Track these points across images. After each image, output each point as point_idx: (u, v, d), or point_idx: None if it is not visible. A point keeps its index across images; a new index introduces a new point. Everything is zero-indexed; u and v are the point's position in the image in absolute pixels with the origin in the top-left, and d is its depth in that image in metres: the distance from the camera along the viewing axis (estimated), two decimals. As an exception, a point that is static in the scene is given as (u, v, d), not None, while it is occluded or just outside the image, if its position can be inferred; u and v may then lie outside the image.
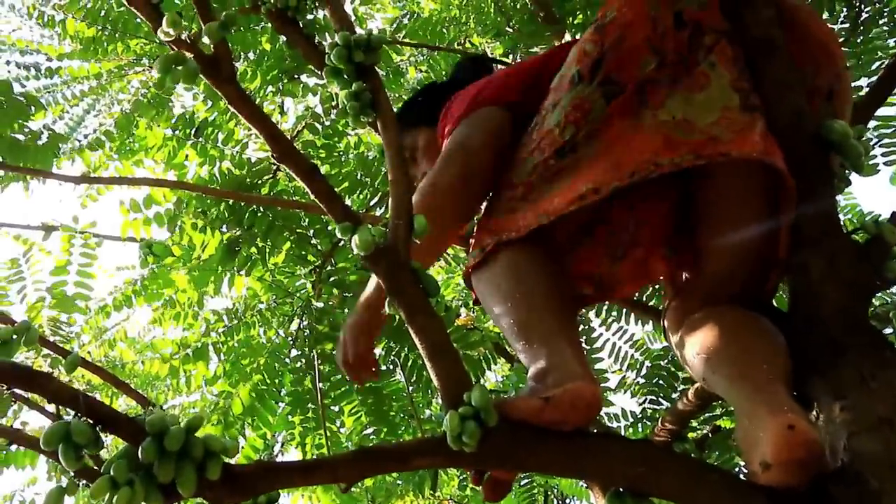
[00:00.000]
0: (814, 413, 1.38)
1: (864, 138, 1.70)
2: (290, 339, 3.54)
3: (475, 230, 1.73)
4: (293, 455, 3.81)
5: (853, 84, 2.94)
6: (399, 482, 4.24)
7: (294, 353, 3.51)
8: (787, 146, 1.54)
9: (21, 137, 3.70)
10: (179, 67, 1.39)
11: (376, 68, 1.71)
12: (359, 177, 3.70)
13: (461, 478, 4.34)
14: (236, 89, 1.46)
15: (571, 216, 1.55)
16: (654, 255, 1.85)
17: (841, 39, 3.03)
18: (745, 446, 1.26)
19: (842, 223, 1.58)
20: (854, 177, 1.72)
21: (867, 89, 2.90)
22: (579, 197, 1.52)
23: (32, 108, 3.85)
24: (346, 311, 3.50)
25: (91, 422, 1.21)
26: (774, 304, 1.71)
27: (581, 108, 1.60)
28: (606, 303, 3.51)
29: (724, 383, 1.44)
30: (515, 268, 1.60)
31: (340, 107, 1.60)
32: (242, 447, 3.40)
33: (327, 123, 3.72)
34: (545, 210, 1.57)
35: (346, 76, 1.63)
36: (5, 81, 3.62)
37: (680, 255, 1.83)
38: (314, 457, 3.34)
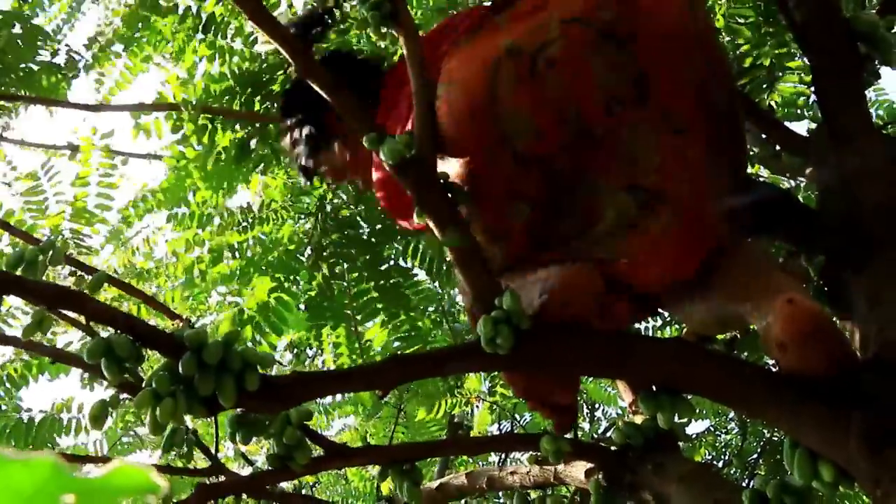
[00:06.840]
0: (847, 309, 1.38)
1: (894, 30, 1.66)
2: (304, 236, 3.51)
3: None
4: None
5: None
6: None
7: (308, 251, 3.45)
8: (815, 39, 1.51)
9: (35, 67, 3.68)
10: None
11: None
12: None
13: (489, 385, 4.35)
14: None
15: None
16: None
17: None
18: (763, 340, 1.26)
19: (873, 118, 1.55)
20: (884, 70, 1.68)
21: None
22: None
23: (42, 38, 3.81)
24: (361, 207, 3.46)
25: (131, 338, 1.23)
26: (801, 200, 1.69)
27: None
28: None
29: (727, 306, 1.41)
30: None
31: (360, 18, 1.56)
32: (260, 345, 3.36)
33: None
34: None
35: (365, -14, 1.60)
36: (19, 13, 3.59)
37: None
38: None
